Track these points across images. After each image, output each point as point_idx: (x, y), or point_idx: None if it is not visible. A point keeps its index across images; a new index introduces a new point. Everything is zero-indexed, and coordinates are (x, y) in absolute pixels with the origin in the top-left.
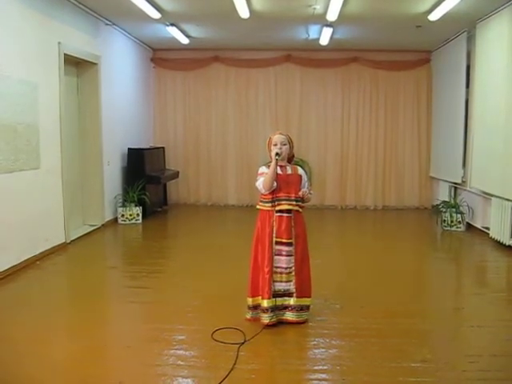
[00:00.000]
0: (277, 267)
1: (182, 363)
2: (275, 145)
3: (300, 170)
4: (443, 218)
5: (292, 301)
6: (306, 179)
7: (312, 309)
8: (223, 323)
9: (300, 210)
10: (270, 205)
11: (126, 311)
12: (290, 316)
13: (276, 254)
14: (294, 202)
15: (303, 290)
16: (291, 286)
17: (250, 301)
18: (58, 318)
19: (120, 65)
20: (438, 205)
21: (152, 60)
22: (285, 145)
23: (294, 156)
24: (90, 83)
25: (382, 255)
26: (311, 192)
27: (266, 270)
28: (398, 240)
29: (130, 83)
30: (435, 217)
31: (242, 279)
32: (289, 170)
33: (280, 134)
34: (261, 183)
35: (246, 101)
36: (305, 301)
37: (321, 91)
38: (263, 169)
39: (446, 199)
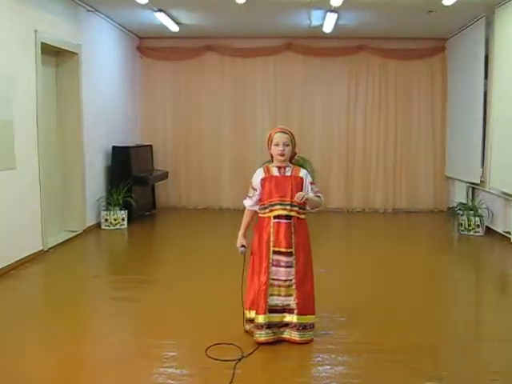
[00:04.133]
0: (274, 279)
1: (172, 382)
2: (277, 145)
3: (302, 172)
4: (460, 222)
5: (293, 318)
6: (309, 181)
7: (316, 322)
8: (218, 338)
9: (301, 216)
10: (263, 211)
11: (111, 325)
12: (291, 335)
13: (273, 265)
14: (289, 207)
15: (306, 306)
16: (291, 302)
17: (247, 313)
18: (36, 332)
19: (103, 55)
20: (454, 207)
21: (138, 49)
22: (288, 145)
23: (295, 154)
24: (69, 75)
25: (392, 263)
26: (319, 195)
27: (263, 281)
28: (410, 246)
29: (115, 75)
30: (451, 220)
31: (238, 290)
32: (288, 172)
33: (282, 131)
34: (247, 203)
35: (242, 94)
36: (308, 318)
37: (325, 83)
38: (259, 174)
39: (463, 201)
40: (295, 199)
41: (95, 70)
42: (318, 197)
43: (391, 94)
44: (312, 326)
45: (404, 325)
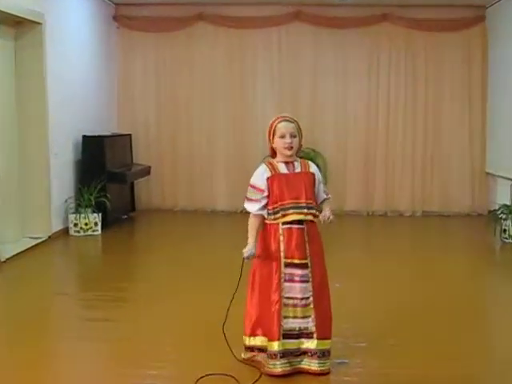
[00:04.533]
0: (289, 298)
1: None
2: (282, 137)
3: (313, 167)
4: (503, 228)
5: (312, 343)
6: (320, 179)
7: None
8: (209, 368)
9: (314, 219)
10: (273, 217)
11: (81, 351)
12: (311, 364)
13: (287, 280)
14: (306, 210)
15: (324, 327)
16: (310, 324)
17: (246, 340)
18: None
19: (72, 25)
20: (495, 210)
21: (115, 19)
22: (295, 137)
23: (301, 146)
24: (31, 49)
25: (420, 277)
26: (329, 196)
27: (274, 301)
28: (442, 257)
29: (86, 49)
30: (493, 226)
31: (233, 310)
32: (297, 167)
33: (286, 119)
34: (253, 207)
35: (240, 73)
36: (326, 343)
37: (340, 60)
38: (263, 173)
39: (507, 202)
40: (322, 222)
41: (62, 44)
42: (328, 197)
43: (420, 74)
44: (329, 352)
45: (434, 352)
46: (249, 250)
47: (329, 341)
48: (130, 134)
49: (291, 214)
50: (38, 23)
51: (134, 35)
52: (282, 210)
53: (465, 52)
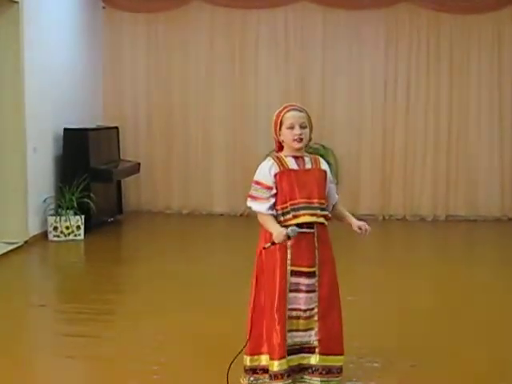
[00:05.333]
0: (291, 309)
1: None
2: (291, 128)
3: (324, 164)
4: None
5: (313, 359)
6: (331, 178)
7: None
8: None
9: (325, 221)
10: (282, 219)
11: (61, 370)
12: (311, 382)
13: (292, 290)
14: (319, 211)
15: (331, 342)
16: (312, 337)
17: (247, 360)
18: None
19: (52, 4)
20: None
21: None
22: (305, 128)
23: (310, 140)
24: (6, 30)
25: (444, 290)
26: (337, 195)
27: (278, 314)
28: (468, 267)
29: (68, 32)
30: None
31: (231, 326)
32: (308, 163)
33: (295, 108)
34: (263, 207)
35: (240, 59)
36: (334, 360)
37: (354, 44)
38: (270, 168)
39: None
40: (360, 233)
41: (41, 25)
42: (336, 194)
43: (444, 61)
44: (339, 370)
45: (462, 373)
46: (281, 231)
47: (337, 357)
48: (116, 127)
49: (303, 215)
50: (15, 1)
51: (122, 16)
52: (292, 210)
53: (495, 36)
